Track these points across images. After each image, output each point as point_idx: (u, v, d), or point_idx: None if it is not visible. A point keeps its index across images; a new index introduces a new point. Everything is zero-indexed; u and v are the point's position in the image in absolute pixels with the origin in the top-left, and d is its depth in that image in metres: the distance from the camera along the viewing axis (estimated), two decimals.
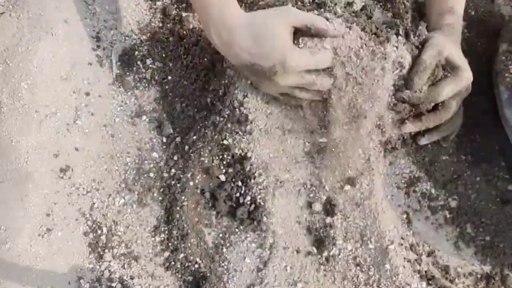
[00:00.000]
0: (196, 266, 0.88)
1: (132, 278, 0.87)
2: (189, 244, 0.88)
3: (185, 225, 0.89)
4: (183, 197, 0.91)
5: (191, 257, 0.88)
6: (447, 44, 0.84)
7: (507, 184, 0.95)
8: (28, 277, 0.86)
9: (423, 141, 0.92)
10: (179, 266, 0.88)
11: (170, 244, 0.89)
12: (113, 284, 0.86)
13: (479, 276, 0.89)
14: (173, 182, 0.93)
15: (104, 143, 0.97)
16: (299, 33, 0.79)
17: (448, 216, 0.93)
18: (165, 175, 0.94)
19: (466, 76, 0.85)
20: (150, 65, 1.03)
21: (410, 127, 0.88)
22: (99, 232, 0.90)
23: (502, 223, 0.92)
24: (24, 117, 0.94)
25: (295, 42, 0.78)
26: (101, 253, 0.89)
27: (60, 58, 1.00)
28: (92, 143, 0.96)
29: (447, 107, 0.86)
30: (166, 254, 0.89)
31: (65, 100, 0.97)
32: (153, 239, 0.90)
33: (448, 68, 0.86)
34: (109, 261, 0.88)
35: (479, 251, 0.90)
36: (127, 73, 1.02)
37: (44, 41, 0.99)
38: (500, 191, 0.95)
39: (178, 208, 0.90)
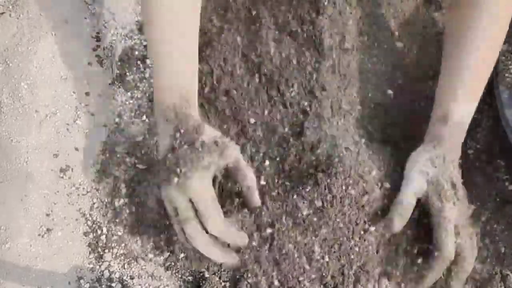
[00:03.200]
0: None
1: (132, 278, 0.87)
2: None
3: None
4: None
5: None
6: (424, 176, 0.72)
7: (508, 184, 0.94)
8: (28, 277, 0.87)
9: None
10: (179, 266, 0.88)
11: (170, 244, 0.89)
12: (113, 284, 0.86)
13: (478, 276, 0.89)
14: None
15: (104, 143, 0.97)
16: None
17: None
18: None
19: (444, 256, 0.70)
20: (151, 65, 1.03)
21: None
22: (99, 232, 0.90)
23: (502, 224, 0.92)
24: (24, 117, 0.94)
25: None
26: (101, 253, 0.89)
27: (60, 58, 1.00)
28: (92, 143, 0.96)
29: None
30: (166, 254, 0.89)
31: (65, 100, 0.98)
32: (153, 239, 0.90)
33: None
34: (109, 261, 0.88)
35: (479, 252, 0.90)
36: (127, 73, 1.02)
37: (44, 41, 1.00)
38: (500, 191, 0.94)
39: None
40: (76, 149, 0.95)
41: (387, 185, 0.83)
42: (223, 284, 0.85)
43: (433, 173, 0.73)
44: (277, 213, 0.80)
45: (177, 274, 0.88)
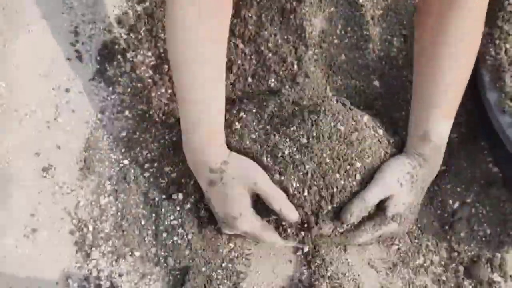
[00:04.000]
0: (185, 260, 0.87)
1: (120, 275, 0.86)
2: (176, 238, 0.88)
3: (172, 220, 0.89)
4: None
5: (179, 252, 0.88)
6: (397, 188, 0.75)
7: (492, 166, 0.95)
8: (15, 278, 0.86)
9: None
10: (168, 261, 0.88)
11: (157, 239, 0.89)
12: (102, 282, 0.86)
13: (465, 259, 0.90)
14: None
15: (87, 140, 0.96)
16: None
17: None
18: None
19: (389, 228, 0.77)
20: (131, 59, 1.02)
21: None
22: (85, 230, 0.89)
23: (487, 206, 0.93)
24: (3, 116, 0.93)
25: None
26: (88, 251, 0.88)
27: (38, 54, 0.98)
28: (74, 141, 0.95)
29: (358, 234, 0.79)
30: (154, 250, 0.89)
31: (45, 98, 0.96)
32: (140, 235, 0.90)
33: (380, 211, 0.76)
34: (97, 259, 0.87)
35: (465, 234, 0.91)
36: (108, 68, 1.01)
37: (21, 38, 0.98)
38: (484, 173, 0.95)
39: (164, 203, 0.90)
40: (58, 147, 0.93)
41: (380, 131, 0.82)
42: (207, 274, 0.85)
43: (406, 191, 0.76)
44: (257, 155, 0.79)
45: (165, 269, 0.87)
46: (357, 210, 0.74)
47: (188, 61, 0.76)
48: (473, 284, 0.88)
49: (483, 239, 0.91)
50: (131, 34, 1.04)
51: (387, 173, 0.75)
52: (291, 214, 0.75)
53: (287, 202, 0.75)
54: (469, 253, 0.90)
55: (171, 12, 0.77)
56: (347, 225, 0.78)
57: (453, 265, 0.90)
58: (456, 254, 0.90)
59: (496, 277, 0.87)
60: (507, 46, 0.88)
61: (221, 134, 0.79)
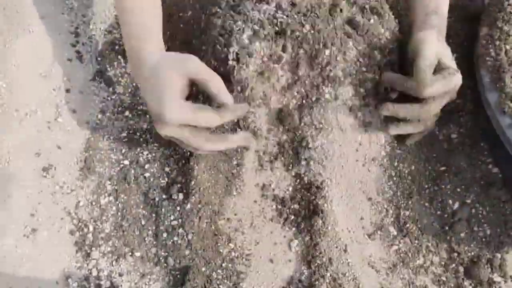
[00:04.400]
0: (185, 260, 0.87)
1: (120, 275, 0.86)
2: (176, 239, 0.88)
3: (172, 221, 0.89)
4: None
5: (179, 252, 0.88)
6: (439, 47, 0.81)
7: (492, 167, 0.95)
8: (15, 278, 0.86)
9: (392, 130, 0.85)
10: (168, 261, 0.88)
11: (157, 239, 0.89)
12: (102, 282, 0.85)
13: (465, 259, 0.90)
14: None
15: (87, 140, 0.96)
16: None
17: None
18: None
19: (456, 79, 0.79)
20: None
21: (389, 109, 0.82)
22: (85, 230, 0.89)
23: (487, 206, 0.93)
24: (4, 117, 0.93)
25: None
26: (88, 251, 0.88)
27: (39, 55, 0.98)
28: (75, 141, 0.95)
29: (428, 105, 0.80)
30: (154, 250, 0.89)
31: (46, 98, 0.96)
32: (140, 235, 0.90)
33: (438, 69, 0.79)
34: (97, 259, 0.87)
35: (466, 234, 0.91)
36: (108, 68, 1.01)
37: (22, 39, 0.98)
38: (484, 174, 0.95)
39: (164, 203, 0.90)
40: (58, 147, 0.94)
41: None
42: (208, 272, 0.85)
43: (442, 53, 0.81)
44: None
45: (165, 269, 0.87)
46: (424, 66, 0.79)
47: None
48: (473, 285, 0.88)
49: (483, 239, 0.91)
50: None
51: (426, 43, 0.82)
52: (228, 96, 0.74)
53: (223, 85, 0.73)
54: (469, 254, 0.90)
55: None
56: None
57: (453, 265, 0.90)
58: (456, 254, 0.90)
59: (496, 277, 0.87)
60: (507, 47, 0.89)
61: (154, 39, 0.80)
